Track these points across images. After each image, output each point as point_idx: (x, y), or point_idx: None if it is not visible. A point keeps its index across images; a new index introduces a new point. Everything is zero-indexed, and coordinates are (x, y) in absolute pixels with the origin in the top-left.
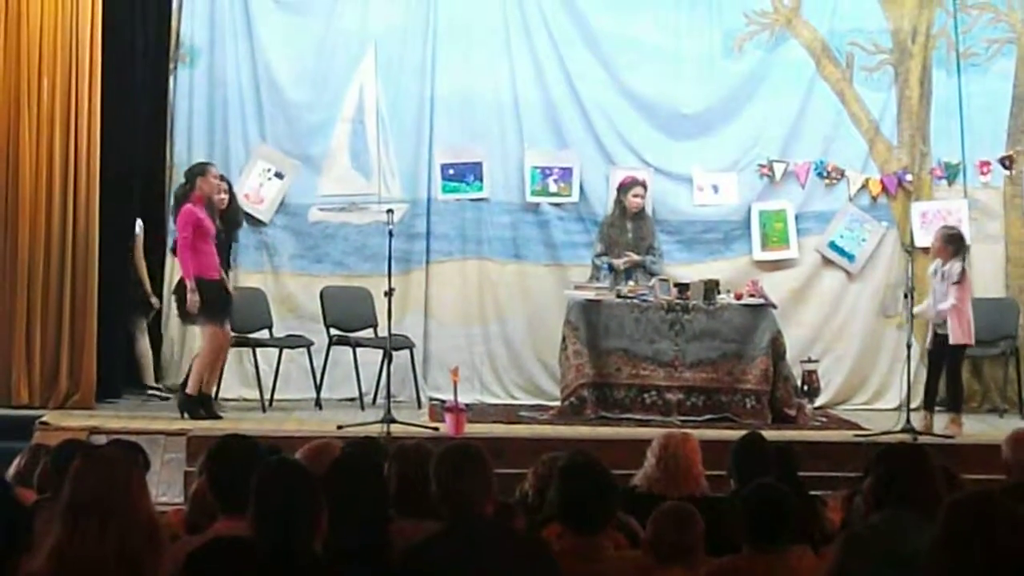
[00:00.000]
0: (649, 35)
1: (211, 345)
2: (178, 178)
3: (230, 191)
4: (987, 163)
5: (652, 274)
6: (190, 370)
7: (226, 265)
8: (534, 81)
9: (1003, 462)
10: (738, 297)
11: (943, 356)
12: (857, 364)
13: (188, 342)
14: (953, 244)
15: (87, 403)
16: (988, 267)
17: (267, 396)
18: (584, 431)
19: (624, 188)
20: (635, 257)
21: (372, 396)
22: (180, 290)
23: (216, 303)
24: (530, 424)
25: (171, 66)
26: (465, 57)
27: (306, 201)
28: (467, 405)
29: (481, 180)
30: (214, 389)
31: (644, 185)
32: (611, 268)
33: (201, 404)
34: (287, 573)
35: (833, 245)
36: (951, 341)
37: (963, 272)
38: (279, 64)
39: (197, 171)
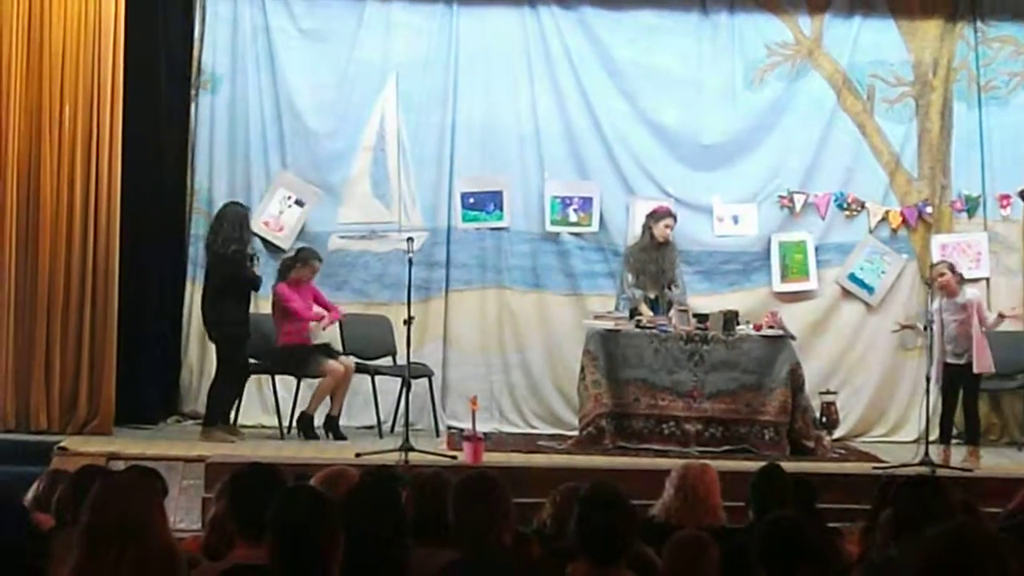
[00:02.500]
0: (671, 66)
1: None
2: (199, 205)
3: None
4: (1007, 196)
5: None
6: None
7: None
8: (555, 111)
9: None
10: (757, 328)
11: (957, 388)
12: (876, 396)
13: (207, 368)
14: (958, 273)
15: (106, 429)
16: (1007, 300)
17: (285, 423)
18: (602, 461)
19: (655, 217)
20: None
21: (390, 424)
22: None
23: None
24: (548, 453)
25: (193, 93)
26: (486, 87)
27: (326, 229)
28: (485, 434)
29: (501, 209)
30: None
31: (675, 217)
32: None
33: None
34: None
35: (853, 277)
36: (976, 369)
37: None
38: (300, 92)
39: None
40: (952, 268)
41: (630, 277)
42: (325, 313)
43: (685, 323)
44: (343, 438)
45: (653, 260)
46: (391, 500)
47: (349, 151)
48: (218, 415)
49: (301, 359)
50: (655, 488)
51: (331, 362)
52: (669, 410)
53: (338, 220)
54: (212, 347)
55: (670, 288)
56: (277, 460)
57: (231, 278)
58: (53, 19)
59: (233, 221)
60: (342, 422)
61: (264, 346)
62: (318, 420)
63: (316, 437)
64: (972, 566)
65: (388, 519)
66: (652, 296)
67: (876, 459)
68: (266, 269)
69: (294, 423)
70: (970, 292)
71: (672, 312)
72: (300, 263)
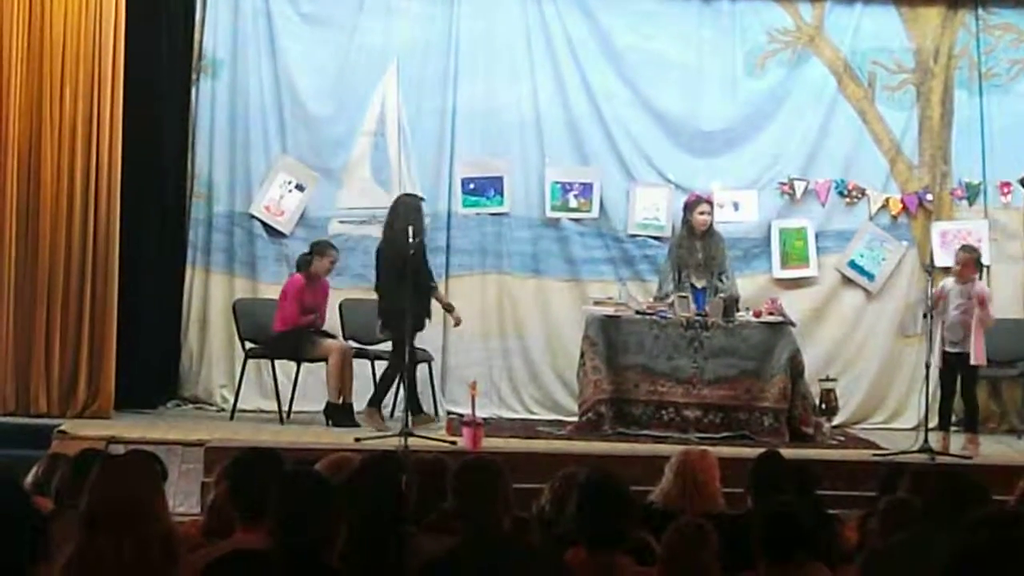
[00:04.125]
0: (671, 52)
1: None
2: (199, 189)
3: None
4: (1008, 184)
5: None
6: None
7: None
8: (555, 96)
9: None
10: (757, 315)
11: (955, 376)
12: (875, 383)
13: (207, 352)
14: (979, 264)
15: (105, 413)
16: (1007, 288)
17: (285, 408)
18: (601, 447)
19: (689, 207)
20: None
21: (390, 409)
22: None
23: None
24: (547, 439)
25: (194, 77)
26: (487, 72)
27: (326, 214)
28: (485, 419)
29: (502, 195)
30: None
31: (710, 202)
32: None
33: (343, 412)
34: None
35: (853, 264)
36: (973, 361)
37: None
38: (301, 77)
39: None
40: (977, 258)
41: (669, 272)
42: (312, 318)
43: (685, 309)
44: (356, 425)
45: (698, 250)
46: (391, 486)
47: (349, 136)
48: (379, 399)
49: (296, 343)
50: (654, 474)
51: (328, 340)
52: (668, 396)
53: (338, 205)
54: (212, 331)
55: (721, 280)
56: (276, 445)
57: (405, 269)
58: (54, 2)
59: (405, 212)
60: None
61: (262, 331)
62: (319, 406)
63: (356, 424)
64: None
65: (388, 505)
66: (700, 286)
67: (875, 446)
68: (266, 252)
69: (323, 415)
70: (979, 284)
71: (672, 298)
72: (317, 255)
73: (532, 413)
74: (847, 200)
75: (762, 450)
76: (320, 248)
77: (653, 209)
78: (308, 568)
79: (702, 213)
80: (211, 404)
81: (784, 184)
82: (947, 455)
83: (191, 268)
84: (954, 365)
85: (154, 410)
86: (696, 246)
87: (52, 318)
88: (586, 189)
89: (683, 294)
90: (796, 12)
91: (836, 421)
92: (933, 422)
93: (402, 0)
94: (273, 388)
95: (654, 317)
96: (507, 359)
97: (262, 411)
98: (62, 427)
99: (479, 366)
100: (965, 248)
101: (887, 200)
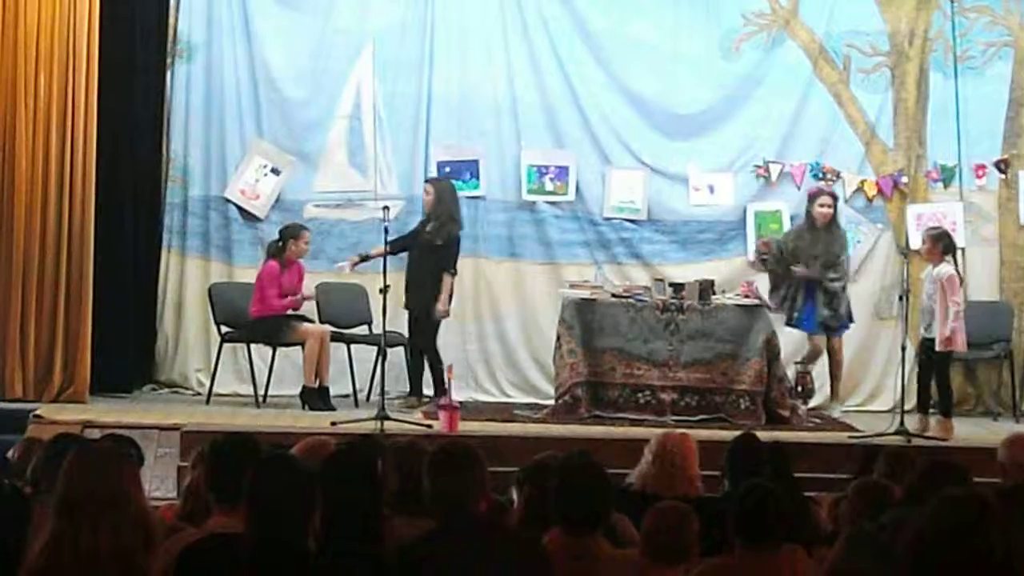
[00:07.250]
0: (647, 35)
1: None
2: (174, 173)
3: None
4: (983, 166)
5: (827, 292)
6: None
7: None
8: (531, 79)
9: (999, 464)
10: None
11: (930, 360)
12: (851, 366)
13: (182, 337)
14: (941, 242)
15: (81, 397)
16: (982, 270)
17: (261, 392)
18: (578, 430)
19: (812, 198)
20: (806, 271)
21: (366, 393)
22: None
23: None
24: (523, 423)
25: (168, 61)
26: (463, 55)
27: (302, 197)
28: (461, 403)
29: (477, 178)
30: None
31: (833, 195)
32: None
33: (319, 396)
34: (279, 569)
35: None
36: (937, 347)
37: (955, 275)
38: (276, 60)
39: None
40: (935, 238)
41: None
42: (292, 300)
43: (661, 292)
44: (332, 408)
45: (819, 242)
46: (368, 469)
47: (325, 120)
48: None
49: (273, 328)
50: (630, 457)
51: (306, 325)
52: (645, 379)
53: (314, 189)
54: (187, 316)
55: (833, 268)
56: (253, 429)
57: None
58: None
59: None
60: None
61: (238, 315)
62: (295, 389)
63: (331, 408)
64: (989, 529)
65: (365, 488)
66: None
67: (852, 428)
68: (241, 236)
69: (299, 399)
70: (938, 269)
71: (649, 281)
72: (292, 239)
73: (508, 396)
74: (822, 183)
75: (738, 433)
76: (292, 231)
77: (629, 192)
78: (284, 553)
79: (823, 206)
80: (187, 388)
81: (760, 167)
82: (923, 437)
83: (166, 252)
84: (926, 349)
85: (130, 394)
86: (817, 237)
87: (27, 302)
88: (562, 172)
89: (659, 277)
90: None
91: (812, 404)
92: (909, 404)
93: None
94: (249, 372)
95: (630, 300)
96: (483, 342)
97: (238, 395)
98: (38, 411)
99: (455, 349)
100: (926, 229)
101: (862, 183)
